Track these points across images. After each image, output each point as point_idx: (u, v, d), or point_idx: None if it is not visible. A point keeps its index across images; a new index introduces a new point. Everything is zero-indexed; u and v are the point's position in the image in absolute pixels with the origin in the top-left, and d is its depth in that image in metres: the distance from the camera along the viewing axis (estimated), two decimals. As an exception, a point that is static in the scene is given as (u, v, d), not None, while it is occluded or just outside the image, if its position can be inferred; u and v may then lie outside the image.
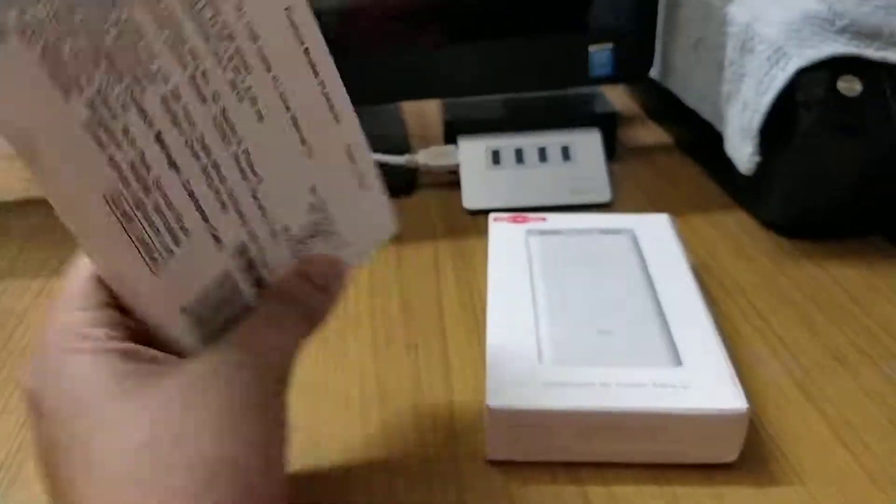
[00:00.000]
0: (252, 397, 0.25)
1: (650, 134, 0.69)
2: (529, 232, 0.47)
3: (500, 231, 0.47)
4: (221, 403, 0.24)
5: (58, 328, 0.26)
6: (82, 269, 0.28)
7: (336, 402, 0.39)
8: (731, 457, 0.34)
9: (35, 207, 0.60)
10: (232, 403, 0.25)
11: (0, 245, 0.55)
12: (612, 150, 0.61)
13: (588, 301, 0.41)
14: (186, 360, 0.26)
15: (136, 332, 0.27)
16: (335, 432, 0.37)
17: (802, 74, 0.46)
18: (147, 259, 0.26)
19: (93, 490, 0.23)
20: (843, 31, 0.46)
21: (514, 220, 0.48)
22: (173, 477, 0.23)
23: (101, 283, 0.27)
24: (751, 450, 0.35)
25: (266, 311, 0.29)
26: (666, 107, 0.66)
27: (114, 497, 0.23)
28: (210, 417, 0.24)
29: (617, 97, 0.70)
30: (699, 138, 0.60)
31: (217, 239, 0.28)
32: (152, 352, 0.26)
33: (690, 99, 0.59)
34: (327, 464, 0.36)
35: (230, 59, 0.26)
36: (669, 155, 0.65)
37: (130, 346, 0.26)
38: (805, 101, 0.46)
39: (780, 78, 0.46)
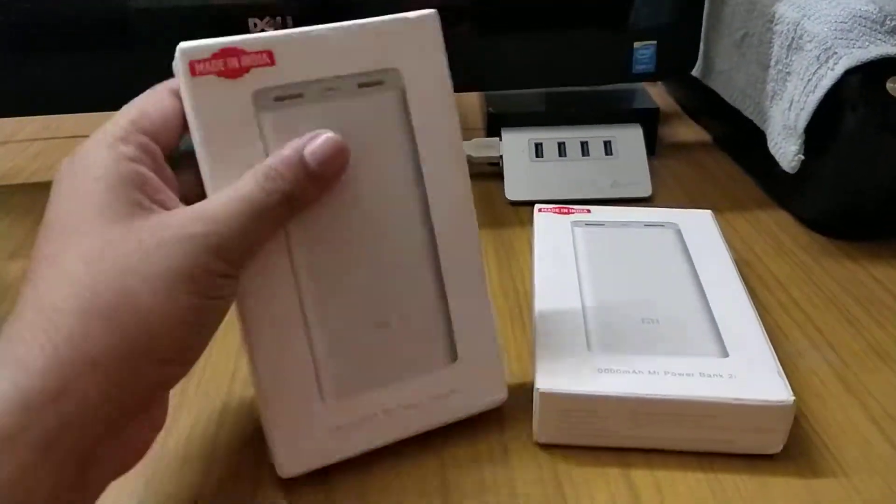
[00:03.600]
0: (188, 269, 0.27)
1: (689, 130, 0.70)
2: (575, 223, 0.47)
3: (546, 221, 0.48)
4: (162, 267, 0.27)
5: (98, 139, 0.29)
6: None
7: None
8: (776, 448, 0.35)
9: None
10: (170, 270, 0.27)
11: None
12: (653, 145, 0.62)
13: (634, 291, 0.41)
14: (166, 214, 0.28)
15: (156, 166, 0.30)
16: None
17: (850, 74, 0.46)
18: None
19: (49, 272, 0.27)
20: (892, 31, 0.46)
21: (559, 211, 0.49)
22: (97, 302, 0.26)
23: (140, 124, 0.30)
24: (794, 440, 0.36)
25: (247, 192, 0.29)
26: (705, 103, 0.66)
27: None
28: (148, 278, 0.27)
29: (654, 93, 0.70)
30: (738, 135, 0.61)
31: None
32: (160, 195, 0.29)
33: (732, 96, 0.59)
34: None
35: None
36: (708, 152, 0.66)
37: (149, 175, 0.29)
38: (852, 102, 0.46)
39: (828, 77, 0.46)
